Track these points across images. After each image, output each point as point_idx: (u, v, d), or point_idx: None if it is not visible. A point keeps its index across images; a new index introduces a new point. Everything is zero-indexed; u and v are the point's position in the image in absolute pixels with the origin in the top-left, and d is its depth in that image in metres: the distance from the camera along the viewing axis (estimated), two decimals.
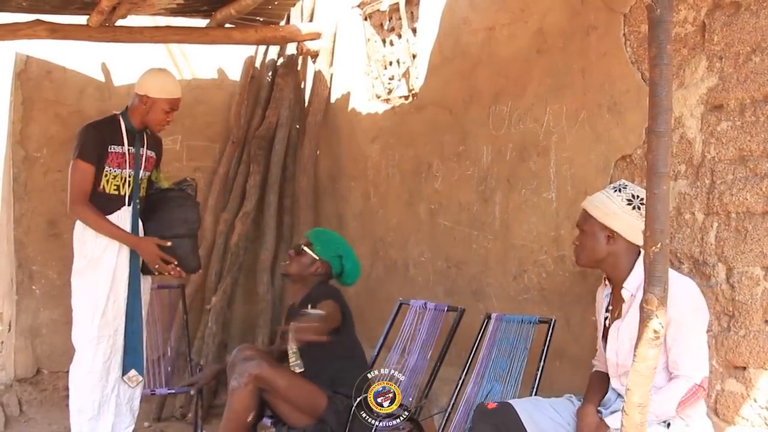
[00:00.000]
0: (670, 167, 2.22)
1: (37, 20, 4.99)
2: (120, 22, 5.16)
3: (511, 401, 2.90)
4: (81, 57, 5.64)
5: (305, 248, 3.77)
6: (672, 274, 2.66)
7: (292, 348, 3.30)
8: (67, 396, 3.93)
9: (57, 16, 5.10)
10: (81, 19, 5.12)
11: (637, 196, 2.81)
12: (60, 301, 5.36)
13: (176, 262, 3.89)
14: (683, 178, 2.99)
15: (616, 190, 2.85)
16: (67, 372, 3.91)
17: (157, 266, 3.86)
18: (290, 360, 3.34)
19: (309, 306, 3.53)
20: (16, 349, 5.55)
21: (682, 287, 2.67)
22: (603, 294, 2.96)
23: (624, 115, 3.30)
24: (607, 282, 2.95)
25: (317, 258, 3.75)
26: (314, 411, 3.44)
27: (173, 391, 4.70)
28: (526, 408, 2.84)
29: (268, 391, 3.39)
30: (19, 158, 5.56)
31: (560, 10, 3.67)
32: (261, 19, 5.59)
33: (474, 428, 2.88)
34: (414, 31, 4.87)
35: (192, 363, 4.66)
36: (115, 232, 3.82)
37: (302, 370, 3.36)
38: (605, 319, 2.93)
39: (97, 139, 3.85)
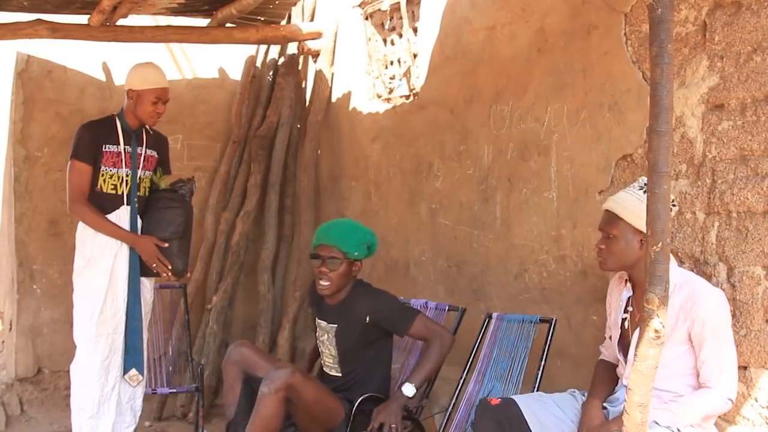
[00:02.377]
0: (671, 167, 2.22)
1: (38, 20, 4.99)
2: (121, 22, 5.16)
3: (514, 397, 2.89)
4: (82, 56, 5.64)
5: (340, 258, 3.49)
6: (704, 284, 2.68)
7: None
8: (68, 395, 3.94)
9: (58, 15, 5.11)
10: (82, 19, 5.12)
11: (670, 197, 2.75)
12: (61, 300, 5.37)
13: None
14: (684, 177, 2.99)
15: (644, 191, 2.68)
16: (68, 371, 3.91)
17: (154, 265, 3.86)
18: None
19: (367, 318, 3.45)
20: (17, 348, 5.55)
21: (718, 299, 2.63)
22: (622, 294, 2.88)
23: (625, 115, 3.30)
24: (628, 283, 2.86)
25: (355, 260, 3.55)
26: (330, 424, 3.42)
27: (174, 391, 4.70)
28: (529, 404, 2.83)
29: (293, 400, 3.33)
30: (20, 157, 5.56)
31: (561, 9, 3.67)
32: (262, 19, 5.59)
33: (477, 423, 2.87)
34: (415, 30, 4.87)
35: (193, 362, 4.66)
36: (114, 231, 3.82)
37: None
38: (623, 320, 2.86)
39: (91, 138, 3.84)
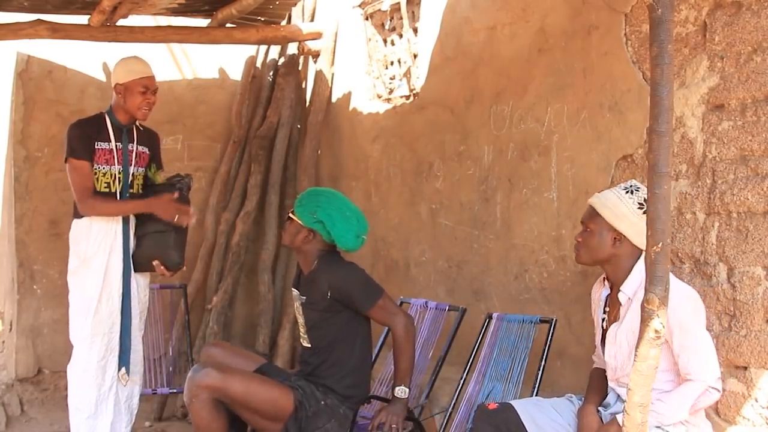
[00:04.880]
0: (671, 167, 2.22)
1: (39, 20, 4.99)
2: (121, 22, 5.16)
3: (512, 402, 2.90)
4: (82, 56, 5.64)
5: (291, 215, 3.43)
6: (672, 282, 2.68)
7: None
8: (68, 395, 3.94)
9: (58, 15, 5.11)
10: (82, 19, 5.12)
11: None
12: (61, 300, 5.33)
13: (157, 260, 3.86)
14: (684, 177, 2.99)
15: (627, 192, 2.79)
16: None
17: (178, 218, 3.78)
18: None
19: (329, 293, 3.30)
20: (18, 348, 5.54)
21: (681, 292, 2.65)
22: (601, 294, 2.94)
23: (625, 115, 3.30)
24: (605, 282, 2.92)
25: (301, 225, 3.38)
26: (281, 416, 3.24)
27: (175, 391, 4.70)
28: (527, 409, 2.84)
29: (225, 400, 3.17)
30: (21, 158, 5.56)
31: (561, 9, 3.67)
32: (262, 19, 5.59)
33: (475, 429, 2.87)
34: (415, 30, 4.87)
35: (193, 363, 4.66)
36: (129, 207, 3.83)
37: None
38: (602, 320, 2.91)
39: (82, 136, 3.82)
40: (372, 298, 3.31)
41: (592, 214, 2.85)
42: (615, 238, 2.79)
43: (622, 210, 2.76)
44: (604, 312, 2.91)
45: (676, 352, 2.63)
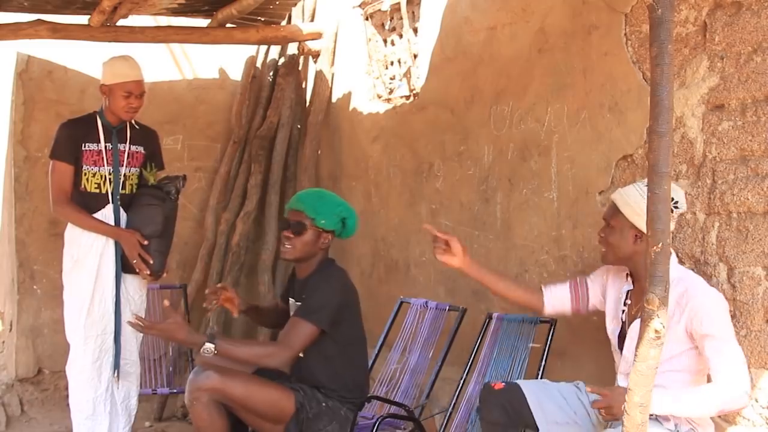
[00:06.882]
0: (671, 167, 2.22)
1: (39, 20, 5.00)
2: (121, 22, 5.16)
3: (518, 381, 2.89)
4: (82, 57, 5.64)
5: (306, 224, 3.32)
6: (701, 281, 2.69)
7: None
8: (68, 395, 3.94)
9: (58, 15, 5.11)
10: (82, 19, 5.12)
11: (672, 199, 2.67)
12: (61, 300, 5.35)
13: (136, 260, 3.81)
14: (684, 178, 2.99)
15: None
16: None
17: (135, 261, 3.76)
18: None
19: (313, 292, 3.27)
20: (18, 348, 5.54)
21: (715, 296, 2.64)
22: (623, 288, 2.92)
23: (625, 115, 3.30)
24: (628, 278, 2.90)
25: (323, 230, 3.34)
26: (282, 418, 3.22)
27: (175, 391, 4.70)
28: (534, 390, 2.83)
29: (226, 402, 3.16)
30: (21, 158, 5.56)
31: (561, 9, 3.67)
32: (262, 19, 5.59)
33: (482, 409, 2.86)
34: (415, 30, 4.87)
35: (193, 363, 4.66)
36: (97, 227, 3.78)
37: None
38: (622, 312, 2.89)
39: (69, 137, 3.81)
40: (304, 315, 3.23)
41: (614, 211, 2.81)
42: (636, 235, 2.74)
43: (644, 207, 2.64)
44: (624, 304, 2.89)
45: (708, 356, 2.56)
